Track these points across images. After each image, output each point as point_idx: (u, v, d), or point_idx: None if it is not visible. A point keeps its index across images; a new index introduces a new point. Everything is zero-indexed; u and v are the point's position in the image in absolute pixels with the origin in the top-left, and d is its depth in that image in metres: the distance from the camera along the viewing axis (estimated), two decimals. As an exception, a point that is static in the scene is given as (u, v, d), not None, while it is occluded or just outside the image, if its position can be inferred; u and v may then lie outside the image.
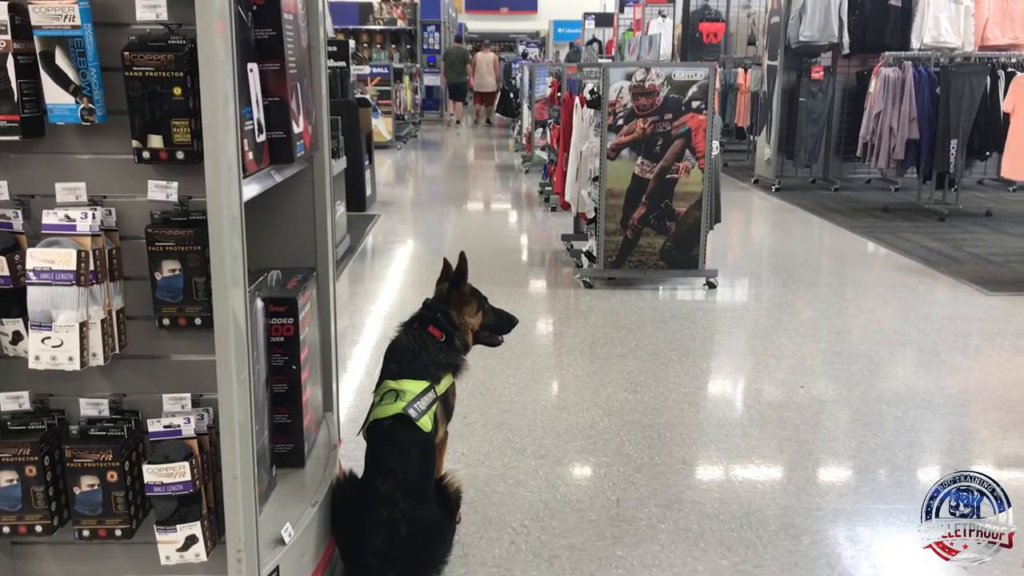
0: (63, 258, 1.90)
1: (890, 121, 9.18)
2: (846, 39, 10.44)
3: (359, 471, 2.74)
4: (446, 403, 2.83)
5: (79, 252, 1.91)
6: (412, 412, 2.62)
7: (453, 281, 2.96)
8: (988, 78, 8.86)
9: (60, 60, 1.89)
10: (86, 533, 2.11)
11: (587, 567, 2.79)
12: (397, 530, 2.54)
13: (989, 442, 3.84)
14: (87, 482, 2.06)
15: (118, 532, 2.11)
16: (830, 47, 10.66)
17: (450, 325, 2.88)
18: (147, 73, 1.91)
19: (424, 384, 2.69)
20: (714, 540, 2.96)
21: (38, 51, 1.89)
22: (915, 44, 9.97)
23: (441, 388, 2.75)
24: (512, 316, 3.08)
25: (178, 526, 2.05)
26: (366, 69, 15.60)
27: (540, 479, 3.38)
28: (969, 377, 4.69)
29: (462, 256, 3.01)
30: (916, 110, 8.99)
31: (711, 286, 6.27)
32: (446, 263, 3.05)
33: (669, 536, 2.98)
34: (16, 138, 1.94)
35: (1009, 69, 8.87)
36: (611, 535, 2.98)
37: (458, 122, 22.40)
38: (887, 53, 9.49)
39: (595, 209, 6.31)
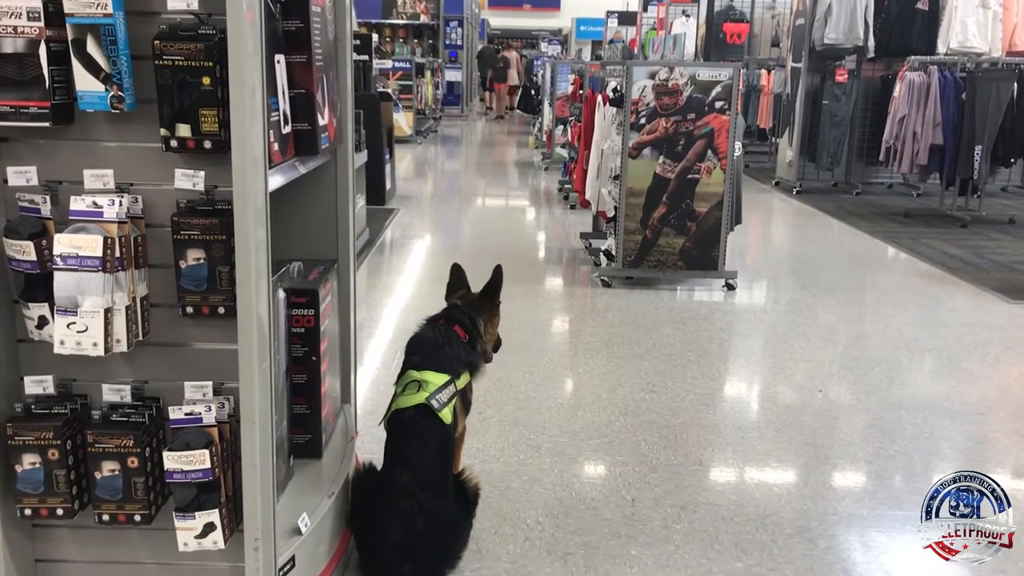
0: (90, 244, 1.91)
1: (914, 126, 9.11)
2: (871, 42, 10.36)
3: (377, 463, 2.75)
4: (464, 399, 2.84)
5: (106, 239, 1.93)
6: (434, 403, 2.63)
7: (488, 292, 3.00)
8: (1015, 84, 8.77)
9: (91, 48, 1.91)
10: (106, 517, 2.13)
11: (601, 565, 2.79)
12: (414, 523, 2.54)
13: (1009, 451, 3.81)
14: (108, 467, 2.08)
15: (137, 517, 2.13)
16: (855, 50, 10.59)
17: (475, 330, 2.90)
18: (177, 62, 1.92)
19: (446, 377, 2.69)
20: (729, 542, 2.95)
21: (70, 39, 1.91)
22: (941, 48, 9.89)
23: (461, 383, 2.76)
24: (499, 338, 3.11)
25: (197, 513, 2.06)
26: (388, 63, 15.63)
27: (555, 476, 3.38)
28: (989, 385, 4.65)
29: (498, 269, 3.01)
30: (941, 115, 8.91)
31: (730, 288, 6.25)
32: (456, 270, 3.05)
33: (684, 537, 2.97)
34: (46, 124, 1.95)
35: (1036, 75, 8.79)
36: (626, 534, 2.98)
37: (490, 109, 22.88)
38: (912, 57, 9.41)
39: (615, 208, 6.30)
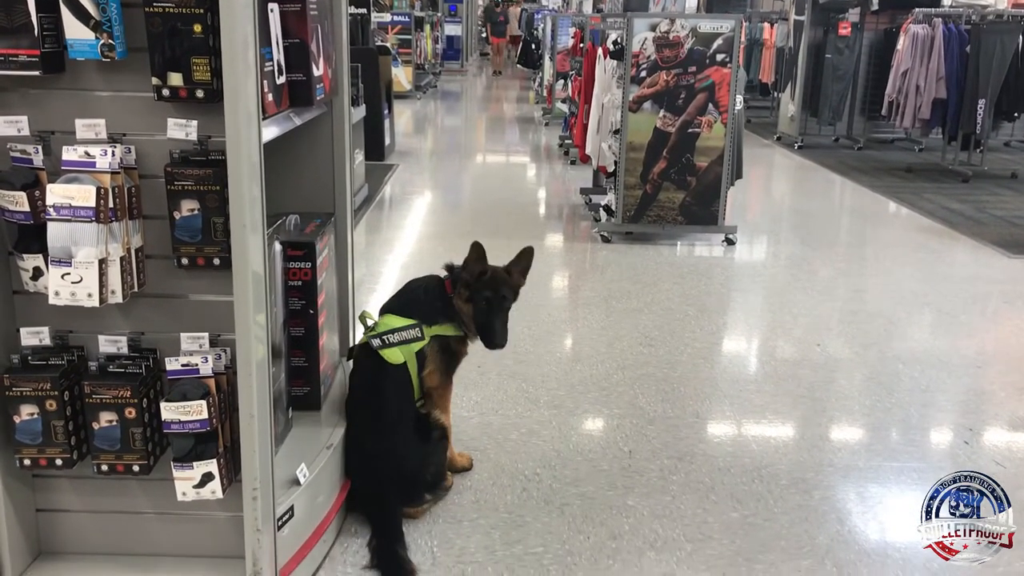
0: (83, 194, 1.90)
1: (917, 79, 9.03)
2: (876, -6, 10.24)
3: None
4: (445, 347, 2.79)
5: (98, 189, 1.92)
6: (375, 342, 2.69)
7: (522, 266, 2.92)
8: (1020, 37, 8.66)
9: (80, -6, 1.88)
10: (104, 468, 2.15)
11: (598, 515, 2.81)
12: (364, 447, 2.69)
13: (1005, 403, 3.82)
14: (106, 418, 2.09)
15: (136, 467, 2.14)
16: (859, 2, 10.46)
17: (468, 278, 2.80)
18: (167, 9, 1.90)
19: (408, 321, 2.72)
20: (725, 493, 2.97)
21: (58, -15, 1.88)
22: (946, 1, 9.77)
23: (434, 331, 2.75)
24: (495, 339, 2.80)
25: (194, 463, 2.08)
26: (387, 17, 15.45)
27: (553, 429, 3.40)
28: (987, 338, 4.66)
29: (529, 251, 2.94)
30: (944, 69, 8.83)
31: (730, 243, 6.23)
32: (475, 249, 2.82)
33: (680, 488, 3.00)
34: (36, 73, 1.93)
35: (1042, 28, 8.68)
36: (623, 485, 3.00)
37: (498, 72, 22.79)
38: (917, 9, 9.29)
39: (615, 162, 6.26)
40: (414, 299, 2.83)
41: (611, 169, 6.43)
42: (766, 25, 13.05)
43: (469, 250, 2.80)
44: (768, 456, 3.24)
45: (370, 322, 2.82)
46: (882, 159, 10.21)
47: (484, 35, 27.16)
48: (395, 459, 2.68)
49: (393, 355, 2.69)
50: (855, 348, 4.39)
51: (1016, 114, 9.25)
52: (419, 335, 2.72)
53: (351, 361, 2.88)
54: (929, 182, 8.85)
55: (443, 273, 2.88)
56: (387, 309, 2.83)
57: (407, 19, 16.01)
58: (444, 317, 2.79)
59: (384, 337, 2.69)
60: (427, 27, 18.24)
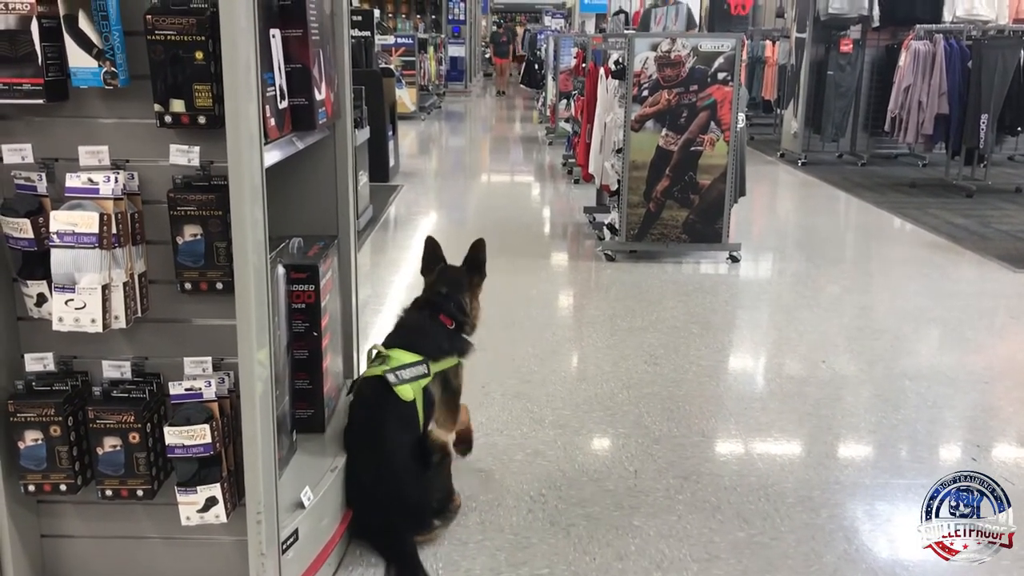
0: (86, 221, 1.92)
1: (919, 95, 9.05)
2: (876, 11, 10.28)
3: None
4: (447, 382, 2.86)
5: (102, 215, 1.93)
6: (392, 377, 2.68)
7: (474, 266, 3.04)
8: (1021, 52, 8.68)
9: (83, 23, 1.90)
10: (109, 493, 2.15)
11: (604, 536, 2.80)
12: (373, 486, 2.65)
13: (1013, 419, 3.80)
14: (110, 443, 2.09)
15: (140, 492, 2.15)
16: (860, 19, 10.50)
17: (461, 314, 2.95)
18: (169, 37, 1.92)
19: (417, 357, 2.75)
20: (731, 512, 2.96)
21: (61, 14, 1.91)
22: (947, 16, 9.81)
23: (440, 366, 2.81)
24: None
25: (198, 487, 2.08)
26: (390, 39, 15.57)
27: (558, 449, 3.39)
28: (994, 354, 4.64)
29: (481, 243, 3.06)
30: (946, 84, 8.85)
31: (734, 260, 6.23)
32: (430, 244, 3.10)
33: (687, 507, 2.99)
34: (40, 101, 1.95)
35: (1043, 43, 8.70)
36: (628, 505, 2.99)
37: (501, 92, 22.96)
38: (918, 26, 9.33)
39: (618, 181, 6.27)
40: (420, 334, 2.86)
41: (614, 188, 6.45)
42: (768, 43, 13.09)
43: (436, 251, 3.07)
44: (774, 474, 3.23)
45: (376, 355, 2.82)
46: (886, 175, 10.22)
47: (488, 56, 27.31)
48: (403, 492, 2.67)
49: (406, 391, 2.69)
50: (861, 365, 4.38)
51: (1019, 128, 9.24)
52: (427, 372, 2.75)
53: (351, 394, 2.88)
54: (933, 197, 8.85)
55: (427, 308, 2.95)
56: (393, 344, 2.81)
57: (411, 41, 16.12)
58: (448, 351, 2.86)
59: (397, 373, 2.70)
60: (431, 49, 18.35)
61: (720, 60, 5.88)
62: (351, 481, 2.68)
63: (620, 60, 6.28)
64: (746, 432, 3.60)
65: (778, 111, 12.87)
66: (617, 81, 6.31)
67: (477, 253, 3.06)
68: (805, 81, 10.83)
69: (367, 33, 9.96)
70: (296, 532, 2.30)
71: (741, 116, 6.13)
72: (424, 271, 3.08)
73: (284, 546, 2.24)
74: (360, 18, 10.30)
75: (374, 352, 2.82)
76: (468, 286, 3.02)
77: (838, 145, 11.20)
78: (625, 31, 11.39)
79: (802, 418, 3.74)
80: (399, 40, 15.97)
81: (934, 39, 8.99)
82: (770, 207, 9.21)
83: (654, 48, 5.91)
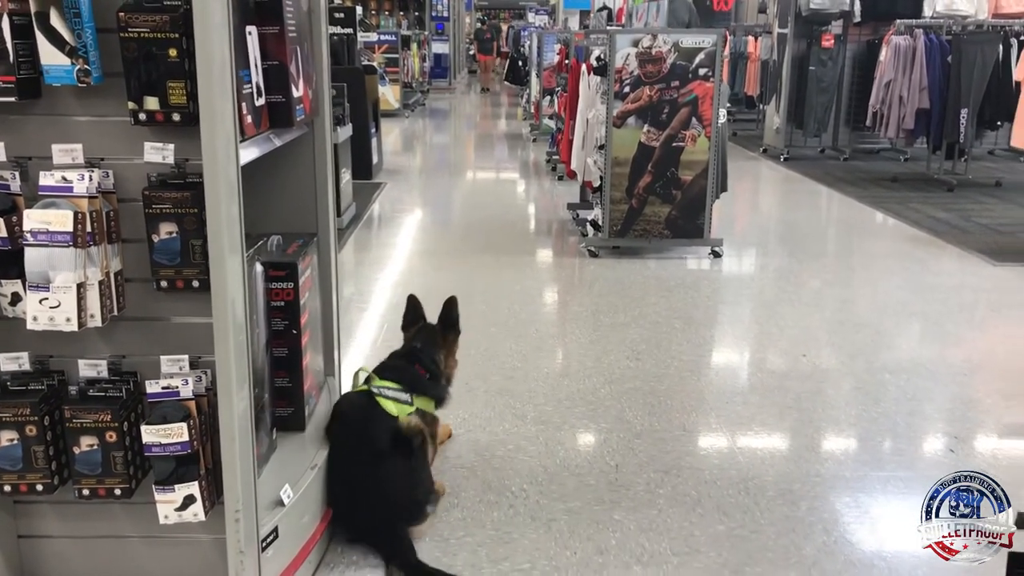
0: (60, 219, 1.91)
1: (900, 90, 9.09)
2: (857, 7, 10.32)
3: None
4: (425, 421, 2.91)
5: (76, 213, 1.92)
6: (376, 390, 2.78)
7: (448, 324, 3.18)
8: (1000, 46, 8.75)
9: (55, 21, 1.89)
10: (86, 492, 2.14)
11: (585, 530, 2.81)
12: (356, 486, 2.67)
13: (991, 411, 3.84)
14: (86, 442, 2.09)
15: (117, 491, 2.14)
16: (841, 15, 10.54)
17: (435, 367, 3.06)
18: (143, 34, 1.91)
19: (399, 386, 2.85)
20: (712, 505, 2.97)
21: (33, 11, 1.89)
22: (927, 12, 9.86)
23: (419, 403, 2.89)
24: None
25: (176, 486, 2.07)
26: (373, 36, 15.53)
27: (540, 444, 3.40)
28: (973, 347, 4.68)
29: (453, 301, 3.19)
30: (927, 79, 8.90)
31: (716, 255, 6.25)
32: (412, 302, 3.20)
33: (667, 501, 3.00)
34: (12, 99, 1.94)
35: (1022, 37, 8.75)
36: (609, 499, 3.00)
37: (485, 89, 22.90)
38: (899, 21, 9.37)
39: (600, 177, 6.28)
40: (401, 372, 2.95)
41: (597, 184, 6.46)
42: (750, 38, 13.13)
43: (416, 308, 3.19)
44: (755, 468, 3.24)
45: (363, 376, 2.91)
46: (868, 169, 10.27)
47: (472, 53, 27.27)
48: (394, 485, 2.68)
49: (388, 406, 2.77)
50: (842, 358, 4.41)
51: (999, 123, 9.32)
52: (409, 400, 2.84)
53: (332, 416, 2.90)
54: (915, 191, 8.90)
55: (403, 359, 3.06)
56: (379, 374, 2.92)
57: (394, 38, 16.09)
58: (426, 391, 2.95)
59: (381, 390, 2.80)
60: (414, 46, 18.31)
61: (701, 56, 5.89)
62: (338, 483, 2.69)
63: (602, 56, 6.28)
64: (727, 426, 3.62)
65: (761, 107, 12.92)
66: (599, 77, 6.31)
67: (450, 311, 3.19)
68: (787, 76, 10.87)
69: (350, 30, 9.93)
70: (276, 530, 2.30)
71: (723, 112, 6.15)
72: (404, 328, 3.20)
73: (264, 544, 2.23)
74: (343, 15, 10.27)
75: (362, 376, 2.90)
76: (443, 343, 3.15)
77: (820, 140, 11.26)
78: (608, 27, 11.41)
79: (783, 412, 3.75)
80: (382, 37, 15.93)
81: (914, 34, 9.04)
82: (752, 202, 9.24)
83: (635, 44, 5.92)
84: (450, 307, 3.19)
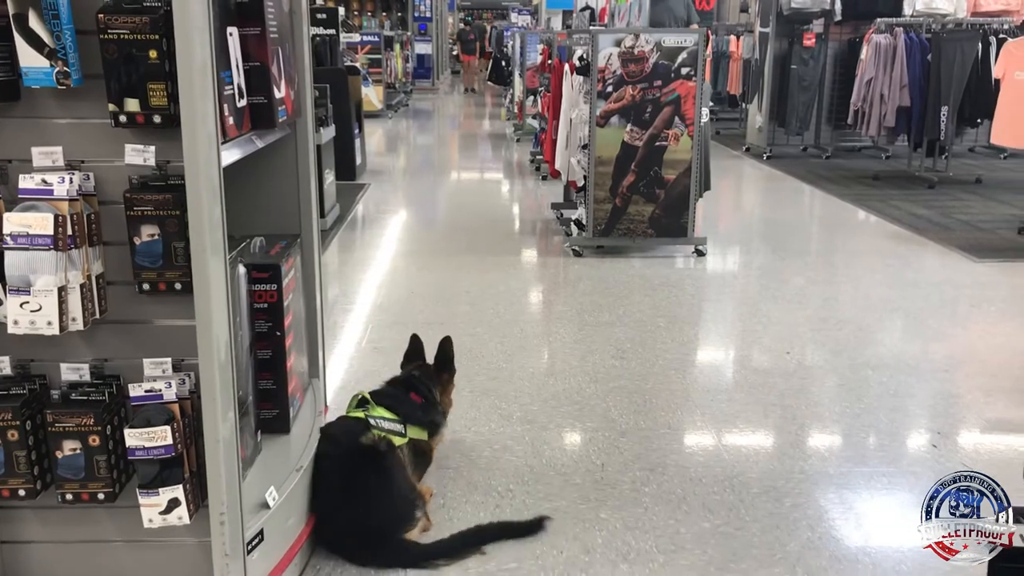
0: (40, 222, 1.90)
1: (881, 88, 9.15)
2: (838, 5, 10.38)
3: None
4: (418, 451, 2.95)
5: (56, 216, 1.91)
6: (371, 420, 2.80)
7: (443, 363, 3.25)
8: (980, 45, 8.81)
9: (34, 22, 1.88)
10: (69, 497, 2.13)
11: (571, 529, 2.81)
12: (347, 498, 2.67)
13: (972, 407, 3.87)
14: (69, 446, 2.07)
15: (101, 496, 2.12)
16: (822, 13, 10.59)
17: (430, 395, 3.11)
18: (122, 36, 1.90)
19: (395, 416, 2.87)
20: (697, 503, 2.99)
21: (11, 13, 1.88)
22: (907, 10, 9.92)
23: (413, 432, 2.91)
24: None
25: (160, 490, 2.06)
26: (356, 37, 15.49)
27: (526, 444, 3.40)
28: (955, 343, 4.71)
29: (448, 341, 3.25)
30: (907, 77, 8.96)
31: (700, 254, 6.28)
32: (415, 341, 3.27)
33: (652, 499, 3.01)
34: (-9, 102, 1.92)
35: (1000, 36, 8.82)
36: (595, 498, 3.01)
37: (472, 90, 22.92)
38: (879, 19, 9.44)
39: (584, 177, 6.29)
40: (396, 400, 2.97)
41: (581, 183, 6.47)
42: (732, 37, 13.18)
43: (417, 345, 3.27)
44: (739, 465, 3.26)
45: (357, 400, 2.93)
46: (850, 167, 10.33)
47: (455, 53, 27.28)
48: (382, 493, 2.68)
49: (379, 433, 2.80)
50: (825, 355, 4.43)
51: (978, 120, 9.38)
52: (402, 431, 2.86)
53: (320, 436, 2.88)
54: (896, 189, 8.96)
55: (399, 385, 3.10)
56: (375, 401, 2.93)
57: (377, 39, 16.06)
58: (420, 421, 2.98)
59: (376, 420, 2.81)
60: (397, 46, 18.28)
61: (683, 55, 5.91)
62: (327, 499, 2.68)
63: (584, 56, 6.30)
64: (712, 424, 3.63)
65: (743, 105, 12.97)
66: (582, 77, 6.33)
67: (445, 351, 3.26)
68: (769, 75, 10.92)
69: (332, 31, 9.92)
70: (261, 533, 2.29)
71: (705, 111, 6.17)
72: (403, 366, 3.26)
73: (249, 547, 2.22)
74: (325, 16, 10.26)
75: (358, 399, 2.93)
76: (438, 381, 3.20)
77: (803, 138, 11.31)
78: (590, 27, 11.42)
79: (767, 409, 3.77)
80: (365, 38, 15.89)
81: (895, 32, 9.10)
82: (736, 201, 9.28)
83: (618, 44, 5.93)
84: (445, 347, 3.26)
